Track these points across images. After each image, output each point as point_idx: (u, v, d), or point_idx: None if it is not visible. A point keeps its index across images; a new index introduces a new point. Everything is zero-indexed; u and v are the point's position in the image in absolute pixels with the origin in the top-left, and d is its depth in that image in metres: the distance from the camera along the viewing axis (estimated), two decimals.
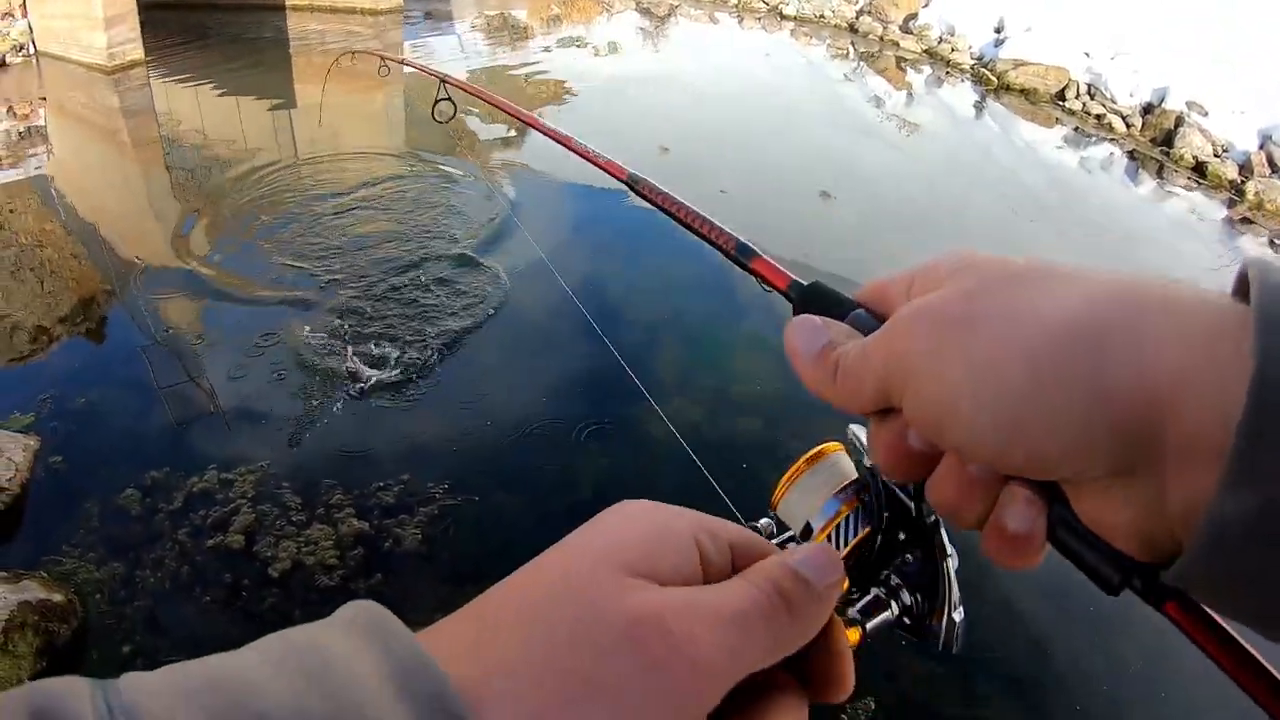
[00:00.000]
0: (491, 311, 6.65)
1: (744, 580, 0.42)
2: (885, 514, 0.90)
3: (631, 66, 14.39)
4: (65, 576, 4.46)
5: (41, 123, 11.78)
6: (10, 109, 12.23)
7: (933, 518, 0.85)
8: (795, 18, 17.94)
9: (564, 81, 12.89)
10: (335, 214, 8.44)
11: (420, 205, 8.75)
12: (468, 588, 4.29)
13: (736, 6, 18.66)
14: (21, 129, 11.66)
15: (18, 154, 10.74)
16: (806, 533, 0.95)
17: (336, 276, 7.12)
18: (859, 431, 0.90)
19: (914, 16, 16.91)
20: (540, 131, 1.84)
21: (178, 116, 11.91)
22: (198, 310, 6.79)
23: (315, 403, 5.62)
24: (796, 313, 0.60)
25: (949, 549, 0.86)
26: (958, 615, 0.88)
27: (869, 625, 0.87)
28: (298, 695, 0.33)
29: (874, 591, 0.90)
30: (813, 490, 0.94)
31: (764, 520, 1.00)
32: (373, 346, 6.16)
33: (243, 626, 4.21)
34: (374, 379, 5.78)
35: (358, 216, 8.36)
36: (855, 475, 0.94)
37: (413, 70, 13.65)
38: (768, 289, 0.83)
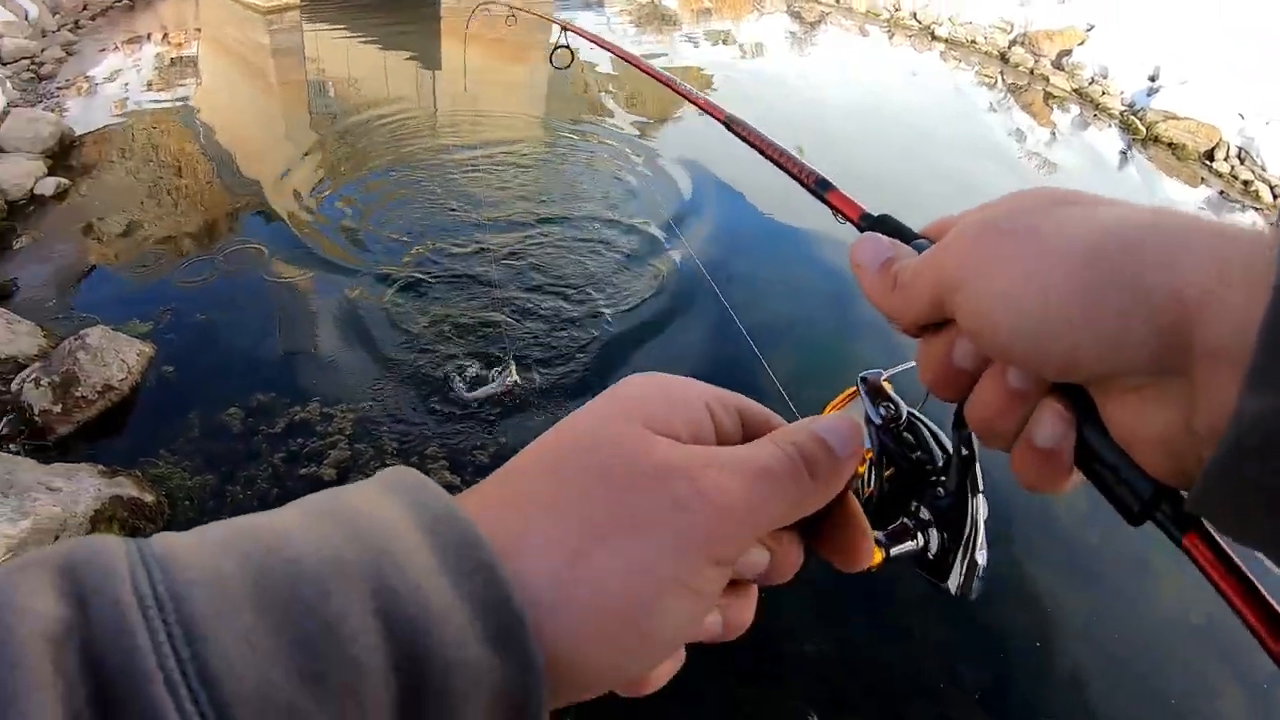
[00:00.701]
0: (623, 286, 6.50)
1: (770, 441, 0.45)
2: (916, 452, 0.92)
3: (775, 68, 14.19)
4: (159, 479, 4.49)
5: (194, 53, 12.16)
6: (166, 36, 12.67)
7: (966, 451, 0.82)
8: (946, 40, 17.50)
9: (708, 75, 12.78)
10: (467, 171, 8.43)
11: (554, 170, 8.70)
12: None
13: (888, 21, 18.29)
14: (174, 56, 12.06)
15: (168, 80, 11.11)
16: None
17: (463, 237, 7.06)
18: (891, 370, 0.93)
19: (1068, 53, 16.33)
20: (647, 73, 1.98)
21: (324, 62, 12.15)
22: (320, 249, 6.83)
23: (423, 353, 5.58)
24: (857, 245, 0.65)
25: (980, 486, 0.85)
26: (980, 557, 0.89)
27: (893, 550, 0.89)
28: (330, 541, 0.35)
29: (902, 520, 0.92)
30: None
31: None
32: (491, 306, 6.10)
33: None
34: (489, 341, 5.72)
35: (489, 176, 8.33)
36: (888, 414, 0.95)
37: (560, 47, 13.71)
38: (841, 219, 0.91)
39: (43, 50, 12.10)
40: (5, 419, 4.85)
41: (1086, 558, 4.75)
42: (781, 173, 1.04)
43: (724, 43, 15.48)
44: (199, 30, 12.73)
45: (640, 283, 6.57)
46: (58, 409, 4.80)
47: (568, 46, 3.29)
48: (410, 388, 5.28)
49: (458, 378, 5.33)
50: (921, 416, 0.92)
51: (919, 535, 0.90)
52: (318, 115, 10.38)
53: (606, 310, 6.16)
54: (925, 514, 0.91)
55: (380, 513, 0.37)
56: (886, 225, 0.68)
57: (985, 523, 0.86)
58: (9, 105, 9.76)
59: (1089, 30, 16.24)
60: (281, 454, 4.71)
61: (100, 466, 4.29)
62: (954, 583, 0.89)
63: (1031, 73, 16.24)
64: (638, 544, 0.39)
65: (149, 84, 10.97)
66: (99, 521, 3.97)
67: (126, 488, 4.17)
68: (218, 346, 5.58)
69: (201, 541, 0.36)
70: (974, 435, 0.65)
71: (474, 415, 5.08)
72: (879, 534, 0.89)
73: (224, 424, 4.91)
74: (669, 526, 0.39)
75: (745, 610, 0.49)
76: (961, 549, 0.88)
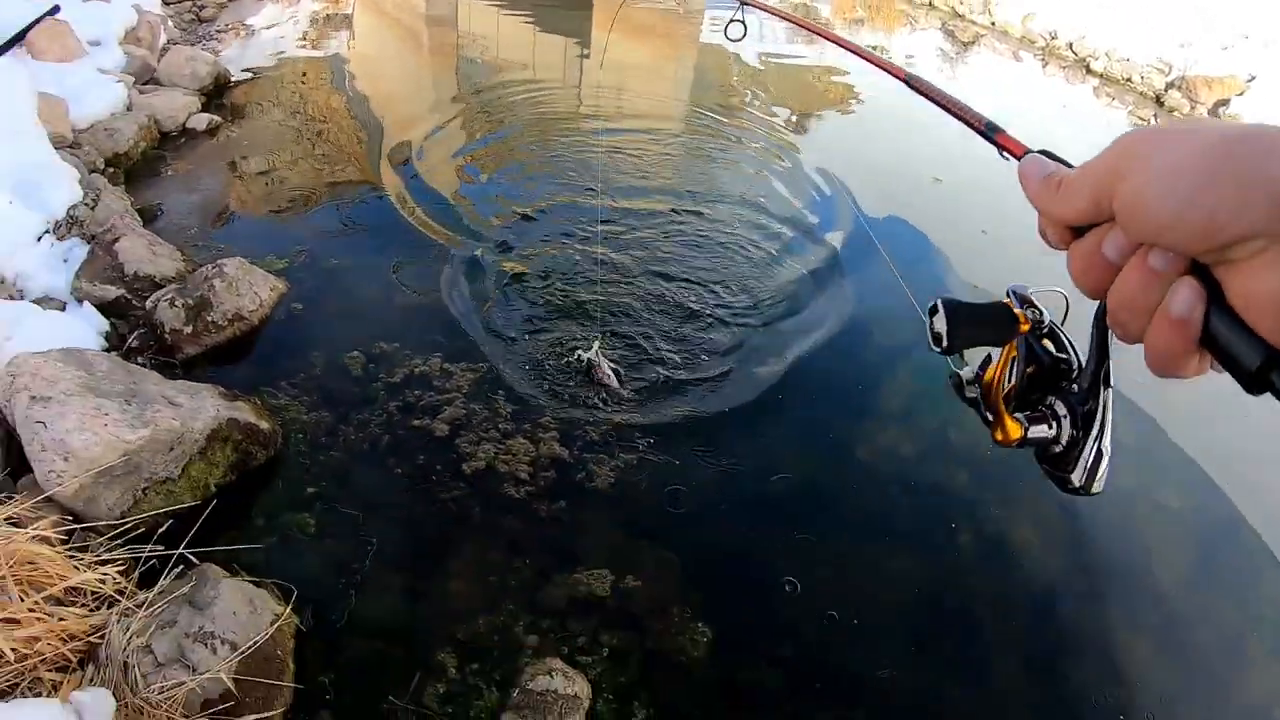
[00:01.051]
0: (759, 285, 6.35)
1: None
2: (1050, 354, 1.13)
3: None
4: (276, 410, 4.53)
5: (349, 10, 12.40)
6: None
7: (1103, 348, 1.01)
8: (1101, 75, 16.90)
9: (853, 87, 12.56)
10: (606, 152, 8.39)
11: (695, 159, 8.62)
12: (641, 542, 4.12)
13: (1043, 50, 17.74)
14: (330, 12, 12.32)
15: (322, 34, 11.34)
16: (983, 369, 1.25)
17: (594, 219, 7.00)
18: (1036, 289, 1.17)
19: (1225, 103, 15.62)
20: (827, 38, 2.20)
21: (475, 33, 12.28)
22: (454, 212, 6.86)
23: (543, 327, 5.54)
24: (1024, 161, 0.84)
25: (1111, 380, 1.02)
26: (1106, 447, 1.05)
27: (1030, 431, 1.09)
28: None
29: (1041, 407, 1.11)
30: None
31: (965, 370, 1.28)
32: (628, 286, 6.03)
33: (424, 508, 4.13)
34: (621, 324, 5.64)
35: (628, 160, 8.27)
36: (1003, 352, 1.20)
37: (708, 42, 13.68)
38: (1007, 156, 1.07)
39: None
40: (136, 333, 4.96)
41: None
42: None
43: (874, 52, 15.17)
44: None
45: (780, 280, 6.44)
46: (188, 330, 4.88)
47: (743, 21, 3.30)
48: (528, 357, 5.22)
49: (575, 355, 5.26)
50: (1060, 327, 1.14)
51: (1053, 424, 1.09)
52: (464, 84, 10.47)
53: (735, 309, 6.03)
54: (1060, 409, 1.10)
55: None
56: (1048, 154, 0.86)
57: (1112, 418, 1.04)
58: (169, 42, 10.07)
59: (1250, 81, 15.52)
60: (397, 403, 4.71)
61: (221, 389, 4.34)
62: (1079, 475, 1.07)
63: (1186, 119, 15.58)
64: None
65: (303, 36, 11.21)
66: (214, 440, 4.00)
67: (245, 413, 4.20)
68: (346, 291, 5.61)
69: None
70: (1110, 332, 0.77)
71: (587, 393, 5.00)
72: (1021, 415, 1.12)
73: (344, 366, 4.93)
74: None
75: None
76: (1092, 437, 1.06)
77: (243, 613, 3.24)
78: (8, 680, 2.79)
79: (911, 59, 15.30)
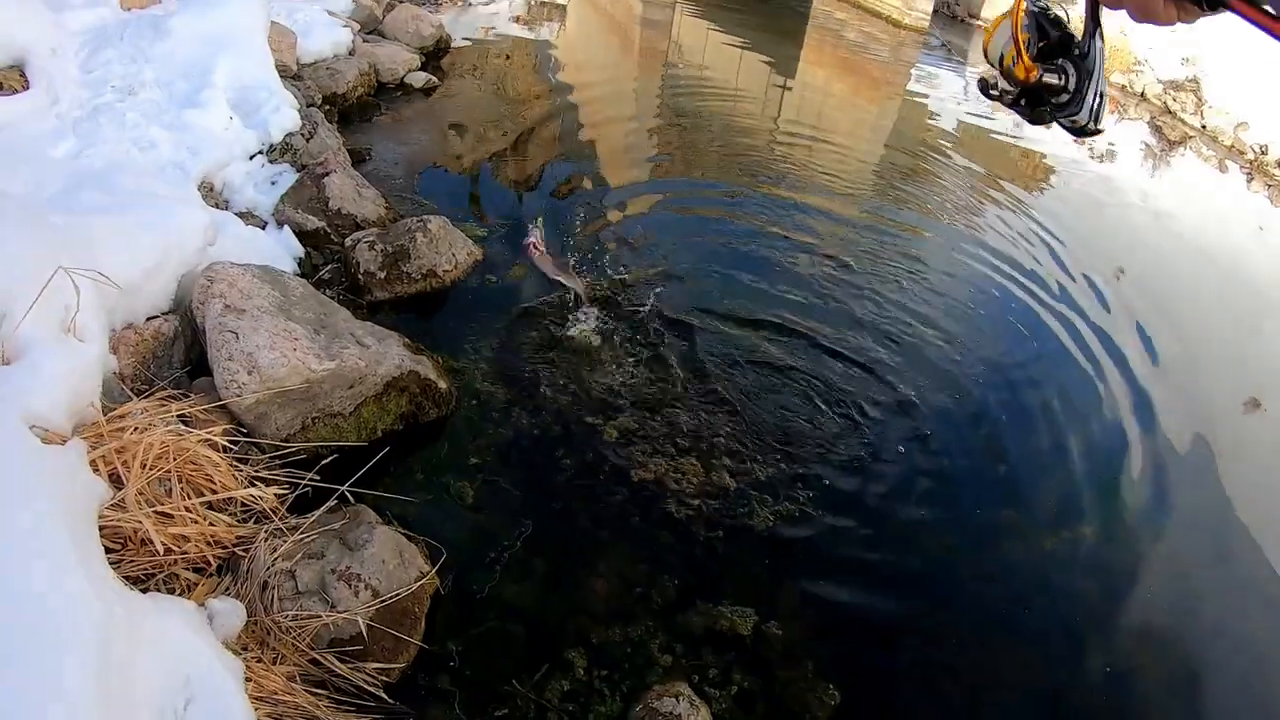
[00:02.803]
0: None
1: None
2: (1056, 31, 1.51)
3: (1118, 178, 13.28)
4: (455, 371, 4.42)
5: (566, 1, 12.54)
6: None
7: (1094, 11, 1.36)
8: None
9: (1051, 167, 12.11)
10: (790, 198, 8.13)
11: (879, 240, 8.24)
12: (788, 590, 3.86)
13: (1250, 163, 16.90)
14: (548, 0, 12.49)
15: (535, 19, 11.47)
16: (1001, 62, 1.59)
17: (787, 258, 6.72)
18: None
19: None
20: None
21: (685, 43, 12.26)
22: (647, 216, 6.72)
23: (738, 359, 5.30)
24: None
25: (1103, 32, 1.40)
26: (1104, 89, 1.47)
27: (1044, 75, 1.49)
28: None
29: (1052, 63, 1.49)
30: (1001, 35, 1.57)
31: (988, 71, 1.67)
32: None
33: (583, 504, 3.95)
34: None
35: (816, 222, 8.00)
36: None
37: (912, 95, 13.38)
38: None
39: None
40: (329, 266, 4.93)
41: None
42: None
43: (1076, 138, 14.66)
44: None
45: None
46: (382, 275, 4.82)
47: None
48: (715, 387, 4.98)
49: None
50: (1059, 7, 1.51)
51: (1061, 75, 1.46)
52: (667, 92, 10.42)
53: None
54: (1069, 67, 1.46)
55: None
56: None
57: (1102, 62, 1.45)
58: (395, 0, 10.29)
59: None
60: (573, 396, 4.54)
61: (407, 340, 4.24)
62: (1084, 114, 1.46)
63: None
64: None
65: (519, 18, 11.36)
66: (392, 389, 3.90)
67: (427, 368, 4.09)
68: (536, 275, 5.49)
69: None
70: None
71: (771, 437, 4.75)
72: (1036, 63, 1.48)
73: (527, 346, 4.80)
74: None
75: None
76: (1093, 82, 1.44)
77: (391, 562, 3.12)
78: (146, 569, 2.74)
79: (1113, 146, 14.72)
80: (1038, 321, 6.92)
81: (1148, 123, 17.22)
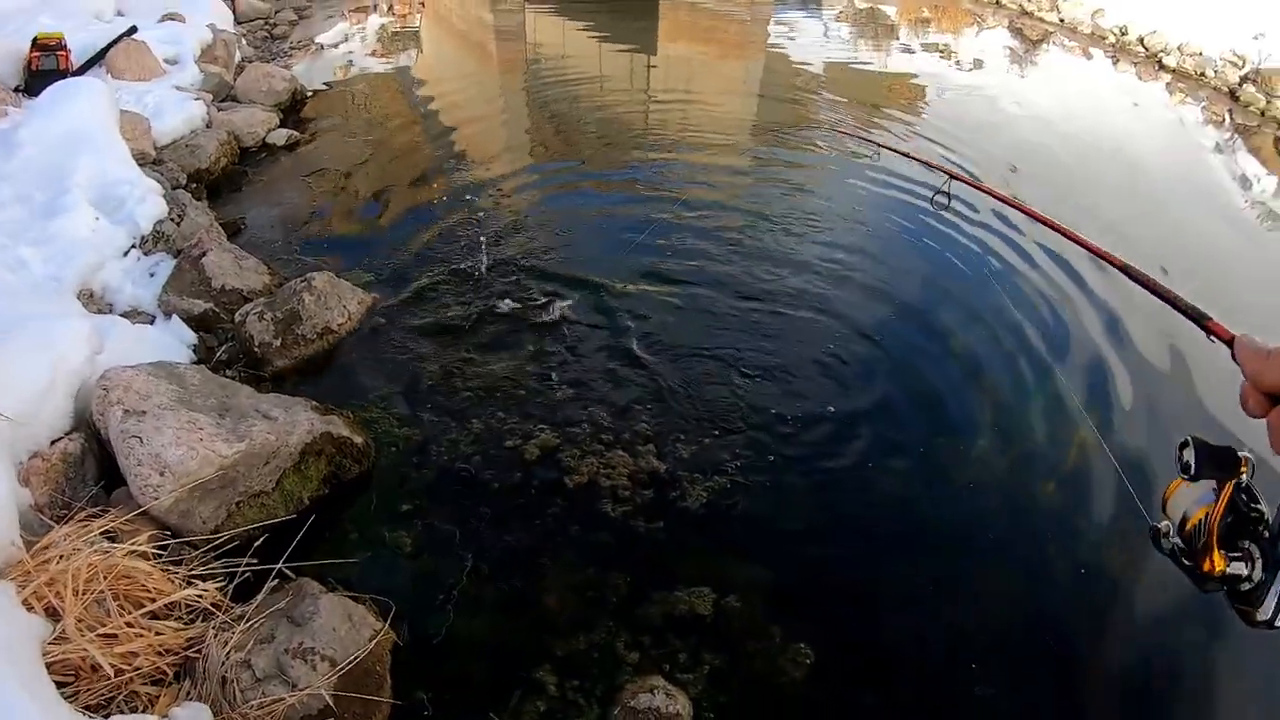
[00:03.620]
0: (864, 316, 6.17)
1: None
2: (1247, 506, 1.35)
3: (992, 86, 13.52)
4: (369, 422, 4.45)
5: (417, 25, 12.50)
6: (391, 8, 13.08)
7: None
8: (1174, 70, 16.48)
9: (923, 87, 12.36)
10: (676, 173, 8.25)
11: (765, 180, 8.40)
12: (742, 561, 3.98)
13: (1114, 46, 17.36)
14: (398, 28, 12.42)
15: (389, 50, 11.43)
16: (1182, 525, 1.45)
17: (679, 238, 6.84)
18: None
19: None
20: (1038, 219, 2.61)
21: (543, 43, 12.29)
22: (534, 227, 6.77)
23: (643, 342, 5.40)
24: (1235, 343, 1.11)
25: None
26: None
27: (1230, 566, 1.32)
28: None
29: (1242, 545, 1.33)
30: (1191, 492, 1.44)
31: (1163, 524, 1.50)
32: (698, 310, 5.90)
33: (520, 523, 4.01)
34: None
35: (695, 180, 8.12)
36: (1224, 491, 1.38)
37: (775, 47, 13.57)
38: (1214, 339, 1.48)
39: (276, 13, 12.72)
40: (224, 346, 4.93)
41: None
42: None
43: (942, 55, 14.96)
44: (423, 4, 13.10)
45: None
46: (277, 343, 4.84)
47: (947, 193, 3.48)
48: (620, 380, 5.07)
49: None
50: (1255, 484, 1.36)
51: (1248, 563, 1.30)
52: (534, 96, 10.46)
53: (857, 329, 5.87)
54: (1255, 551, 1.31)
55: None
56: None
57: None
58: (244, 60, 10.19)
59: None
60: (490, 422, 4.60)
61: (314, 402, 4.27)
62: (1264, 610, 1.27)
63: (1262, 114, 15.10)
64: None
65: (374, 52, 11.31)
66: (309, 454, 3.93)
67: (338, 426, 4.13)
68: (435, 306, 5.53)
69: None
70: None
71: (692, 417, 4.87)
72: (1224, 551, 1.34)
73: (436, 380, 4.85)
74: None
75: None
76: (1278, 576, 1.26)
77: (342, 628, 3.16)
78: (104, 695, 2.73)
79: (980, 63, 15.04)
80: (945, 238, 7.13)
81: (1007, 27, 17.59)
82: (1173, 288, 1.67)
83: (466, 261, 6.08)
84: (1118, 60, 16.72)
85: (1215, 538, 1.36)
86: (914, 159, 3.66)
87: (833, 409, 5.02)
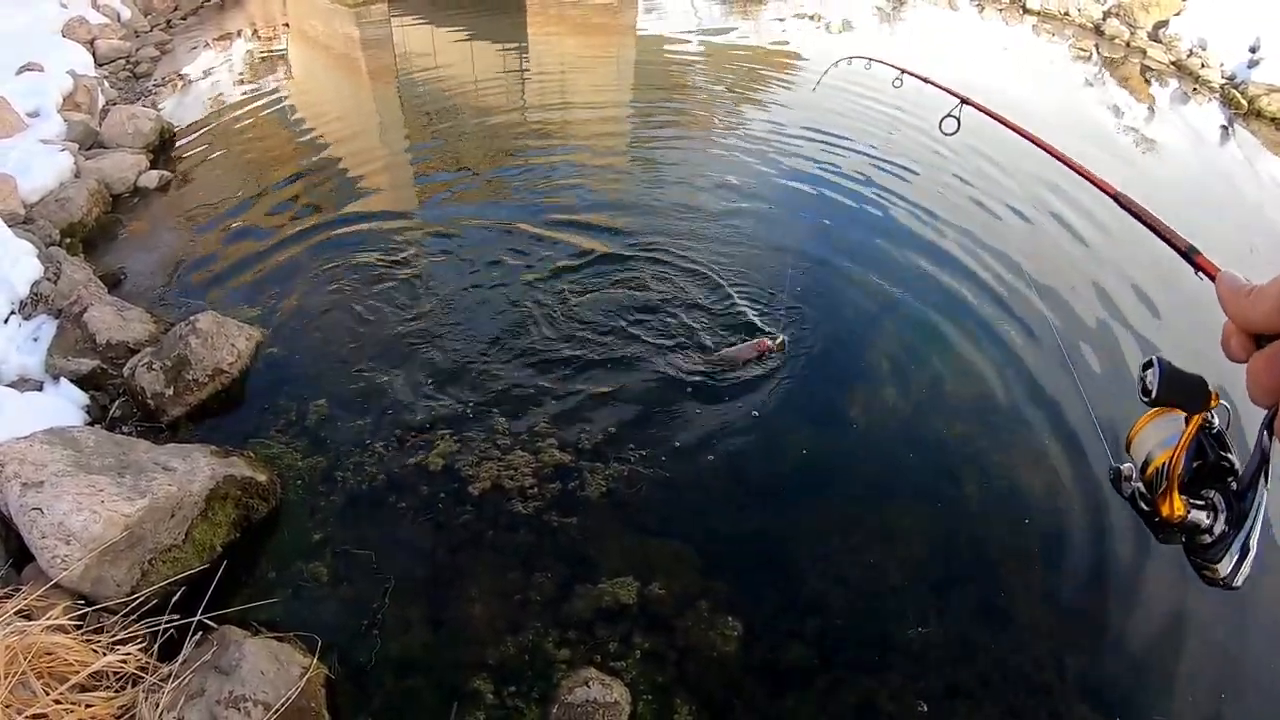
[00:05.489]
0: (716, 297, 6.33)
1: None
2: (1216, 453, 1.26)
3: (863, 48, 13.86)
4: (271, 460, 4.49)
5: (283, 47, 12.32)
6: (255, 32, 12.86)
7: (1268, 450, 1.08)
8: (1039, 13, 17.03)
9: (799, 59, 12.57)
10: (557, 164, 8.35)
11: (642, 170, 8.52)
12: (657, 541, 4.11)
13: None
14: (265, 51, 12.23)
15: (257, 75, 11.26)
16: (1144, 468, 1.38)
17: (560, 232, 6.97)
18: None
19: (1165, 25, 15.73)
20: (1043, 148, 2.48)
21: (412, 51, 12.22)
22: (417, 237, 6.81)
23: (529, 339, 5.50)
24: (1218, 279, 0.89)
25: (1268, 480, 1.12)
26: (1253, 543, 1.18)
27: (1191, 514, 1.24)
28: None
29: (1206, 495, 1.26)
30: (1155, 432, 1.37)
31: (1125, 465, 1.46)
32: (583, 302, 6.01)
33: (435, 537, 4.10)
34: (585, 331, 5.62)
35: (577, 169, 8.23)
36: (1188, 428, 1.31)
37: (645, 30, 13.65)
38: (1202, 276, 1.20)
39: (137, 50, 12.39)
40: (117, 402, 4.91)
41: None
42: None
43: (811, 20, 15.20)
44: (287, 25, 12.91)
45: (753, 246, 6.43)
46: (169, 392, 4.83)
47: (957, 118, 3.56)
48: (511, 379, 5.18)
49: (564, 373, 5.24)
50: (1226, 432, 1.28)
51: (1210, 514, 1.24)
52: (409, 105, 10.42)
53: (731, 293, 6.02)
54: (1219, 502, 1.25)
55: None
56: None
57: (1265, 518, 1.15)
58: (108, 104, 9.97)
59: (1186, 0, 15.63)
60: (390, 440, 4.67)
61: (213, 447, 4.30)
62: (1225, 565, 1.24)
63: (1128, 45, 15.69)
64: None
65: (241, 79, 11.13)
66: (214, 500, 3.97)
67: (240, 467, 4.17)
68: (324, 331, 5.57)
69: None
70: (1275, 437, 0.89)
71: (582, 406, 4.99)
72: (1185, 497, 1.28)
73: (332, 407, 4.90)
74: None
75: None
76: (1242, 533, 1.21)
77: (270, 670, 3.22)
78: None
79: (850, 24, 15.33)
80: (836, 203, 7.37)
81: None
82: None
83: (353, 283, 6.10)
84: (983, 9, 17.17)
85: (1176, 480, 1.31)
86: (933, 84, 3.74)
87: (717, 379, 5.19)
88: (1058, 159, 2.19)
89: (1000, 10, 17.27)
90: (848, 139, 9.14)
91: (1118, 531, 4.36)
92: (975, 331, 5.79)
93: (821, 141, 8.99)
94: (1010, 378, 5.41)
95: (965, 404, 5.18)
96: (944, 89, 3.68)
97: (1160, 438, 1.37)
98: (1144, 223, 1.59)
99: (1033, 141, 2.48)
